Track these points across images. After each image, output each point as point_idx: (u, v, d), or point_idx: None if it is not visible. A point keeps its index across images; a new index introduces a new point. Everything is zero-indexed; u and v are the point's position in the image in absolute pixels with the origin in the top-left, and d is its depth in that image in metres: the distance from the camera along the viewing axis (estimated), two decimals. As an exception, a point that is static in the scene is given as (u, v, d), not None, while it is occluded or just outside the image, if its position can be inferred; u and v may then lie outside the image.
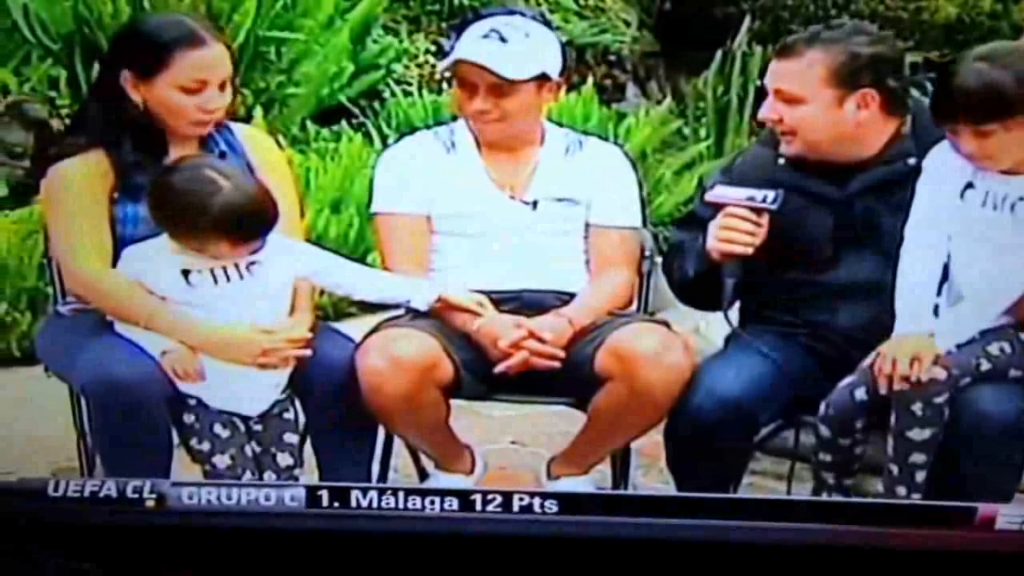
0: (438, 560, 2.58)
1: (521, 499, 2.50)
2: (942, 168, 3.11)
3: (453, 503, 2.50)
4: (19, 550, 2.48)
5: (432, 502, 2.52)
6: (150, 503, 2.52)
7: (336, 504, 2.60)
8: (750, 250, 3.19)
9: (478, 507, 2.49)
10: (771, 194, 3.19)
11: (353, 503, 2.57)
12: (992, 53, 3.05)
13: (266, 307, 3.20)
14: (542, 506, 2.52)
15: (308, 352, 3.18)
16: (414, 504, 2.58)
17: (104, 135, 3.21)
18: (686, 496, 3.04)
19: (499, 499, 2.50)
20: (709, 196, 3.30)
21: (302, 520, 2.58)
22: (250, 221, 3.12)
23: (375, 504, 2.59)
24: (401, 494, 2.59)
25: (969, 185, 3.07)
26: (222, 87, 3.22)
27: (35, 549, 2.51)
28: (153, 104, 3.20)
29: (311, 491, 2.57)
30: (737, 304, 3.37)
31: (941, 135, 3.09)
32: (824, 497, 3.08)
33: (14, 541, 2.46)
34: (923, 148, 3.18)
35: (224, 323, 3.15)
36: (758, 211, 3.19)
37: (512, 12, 3.50)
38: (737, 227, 3.20)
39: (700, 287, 3.33)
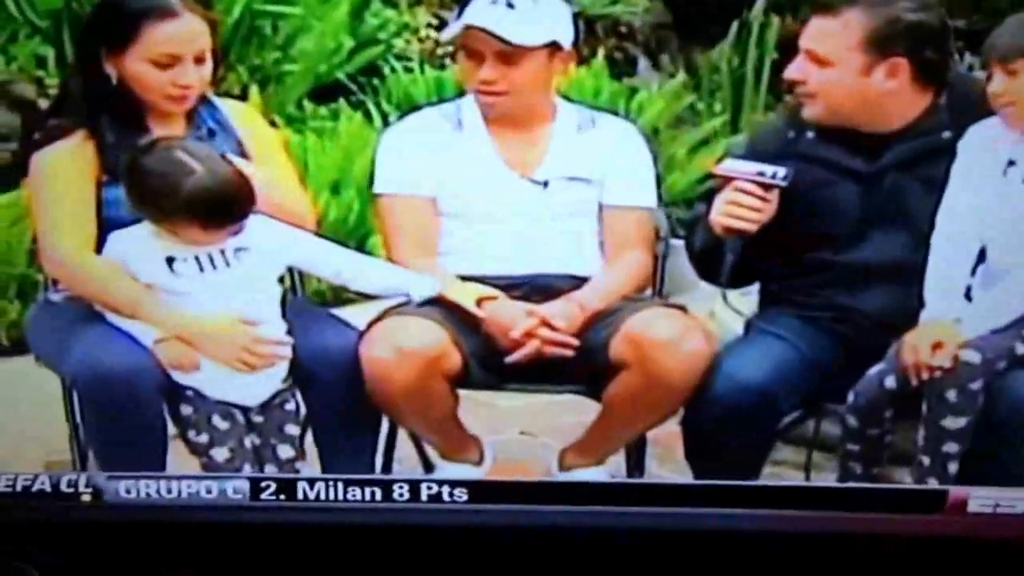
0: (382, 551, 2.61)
1: (429, 487, 2.52)
2: (983, 145, 3.04)
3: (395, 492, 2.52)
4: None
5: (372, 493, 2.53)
6: (86, 498, 2.48)
7: (282, 496, 2.59)
8: (754, 227, 3.14)
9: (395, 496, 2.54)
10: (781, 170, 3.13)
11: (300, 495, 2.56)
12: None
13: (254, 296, 3.12)
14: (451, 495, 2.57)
15: (288, 353, 3.11)
16: (354, 495, 2.58)
17: (86, 116, 3.15)
18: (610, 483, 3.12)
19: (406, 487, 2.61)
20: (718, 168, 3.24)
21: (245, 513, 2.56)
22: (223, 206, 3.03)
23: (322, 496, 2.58)
24: (340, 484, 2.58)
25: (1011, 163, 3.01)
26: (198, 61, 3.15)
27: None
28: (127, 80, 3.14)
29: (254, 483, 2.54)
30: (755, 285, 3.33)
31: (978, 108, 3.03)
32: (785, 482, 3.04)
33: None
34: (958, 121, 3.10)
35: (207, 314, 3.07)
36: (767, 187, 3.13)
37: None
38: (743, 202, 3.14)
39: (708, 259, 3.27)
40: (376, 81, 6.48)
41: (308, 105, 6.19)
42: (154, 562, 2.70)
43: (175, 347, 3.03)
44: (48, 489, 2.52)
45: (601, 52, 6.52)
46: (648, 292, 3.46)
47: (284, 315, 3.17)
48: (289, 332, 3.15)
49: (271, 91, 6.07)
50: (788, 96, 3.38)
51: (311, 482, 2.73)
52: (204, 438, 3.06)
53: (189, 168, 3.00)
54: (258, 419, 3.12)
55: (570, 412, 3.63)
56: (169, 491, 2.66)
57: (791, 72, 3.22)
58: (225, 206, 3.04)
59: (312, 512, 2.68)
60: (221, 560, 2.78)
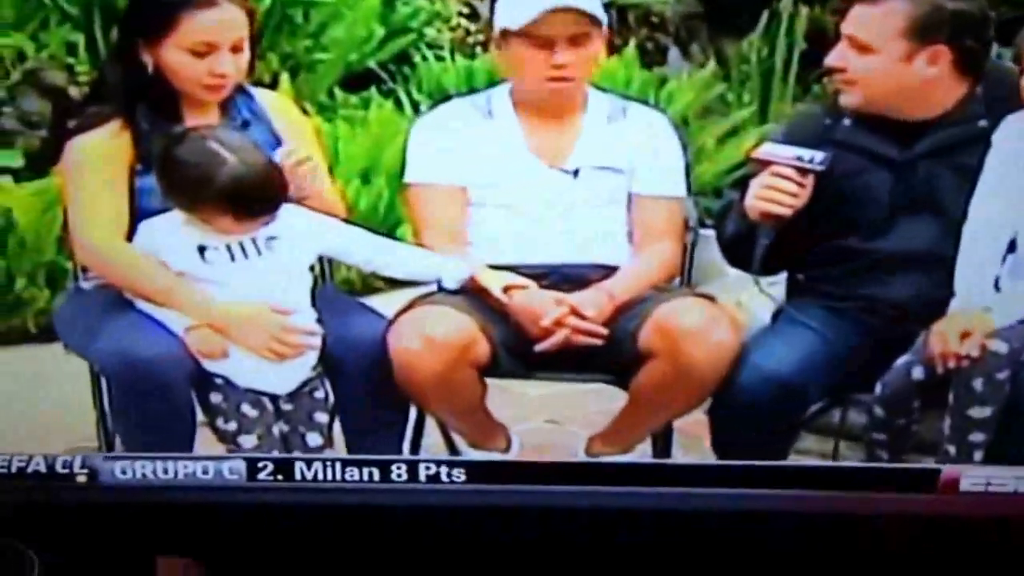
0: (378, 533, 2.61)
1: (427, 467, 2.53)
2: (1018, 136, 3.03)
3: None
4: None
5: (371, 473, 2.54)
6: (81, 478, 2.47)
7: (279, 477, 2.58)
8: (789, 212, 3.13)
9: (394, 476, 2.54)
10: (819, 155, 3.12)
11: (297, 475, 2.56)
12: None
13: (285, 285, 3.12)
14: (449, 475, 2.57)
15: (318, 343, 3.11)
16: (352, 475, 2.58)
17: (122, 104, 3.14)
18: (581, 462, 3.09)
19: (404, 467, 2.62)
20: (756, 153, 3.22)
21: (242, 494, 2.56)
22: (255, 196, 3.03)
23: (320, 476, 2.58)
24: (339, 465, 2.58)
25: None
26: (235, 50, 3.14)
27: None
28: (164, 69, 3.14)
29: (251, 463, 2.53)
30: (783, 274, 3.32)
31: (1012, 100, 3.02)
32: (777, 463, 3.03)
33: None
34: (994, 111, 3.10)
35: (238, 302, 3.07)
36: (803, 172, 3.12)
37: None
38: (780, 187, 3.12)
39: (740, 246, 3.25)
40: (407, 70, 6.46)
41: (339, 94, 6.18)
42: (150, 542, 2.70)
43: (205, 335, 3.03)
44: (43, 470, 2.52)
45: (632, 42, 6.50)
46: (676, 282, 3.45)
47: (313, 303, 3.17)
48: (318, 320, 3.14)
49: (302, 79, 6.06)
50: (826, 83, 3.36)
51: (308, 462, 2.74)
52: (232, 426, 3.06)
53: (222, 158, 3.00)
54: (287, 407, 3.12)
55: (596, 401, 3.62)
56: (165, 471, 2.65)
57: (832, 59, 3.20)
58: (257, 196, 3.04)
59: (309, 492, 2.68)
60: (218, 540, 2.78)
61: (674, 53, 6.54)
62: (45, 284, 4.63)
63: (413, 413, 3.30)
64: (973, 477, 2.70)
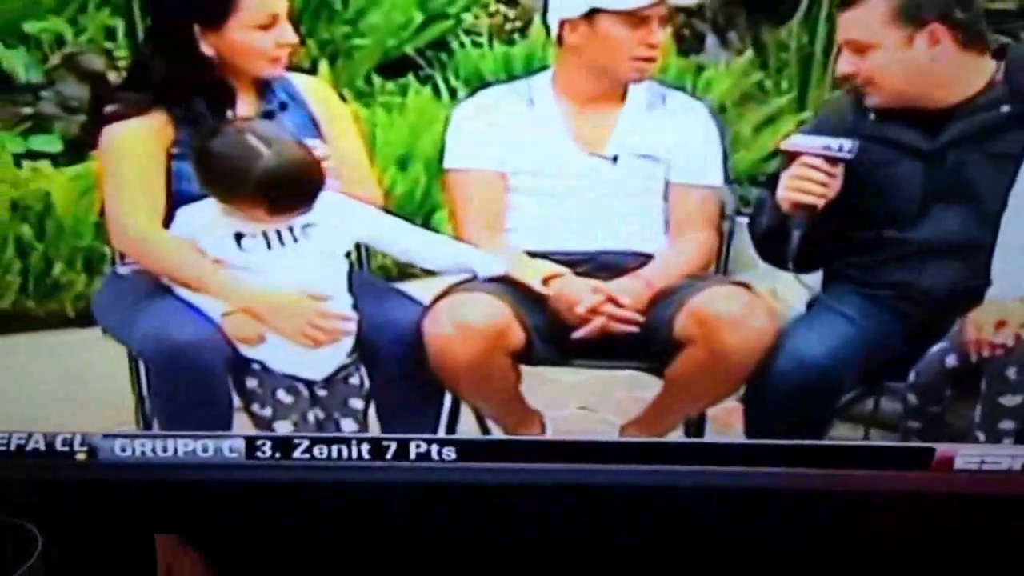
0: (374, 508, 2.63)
1: (418, 445, 2.55)
2: None
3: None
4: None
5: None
6: (81, 456, 2.48)
7: (277, 455, 2.60)
8: (821, 201, 3.13)
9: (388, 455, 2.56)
10: (848, 143, 3.12)
11: (296, 454, 2.58)
12: None
13: (321, 271, 3.13)
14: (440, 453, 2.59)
15: (354, 328, 3.12)
16: (343, 453, 2.60)
17: (165, 90, 3.15)
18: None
19: (394, 445, 2.65)
20: (785, 144, 3.23)
21: (241, 471, 2.58)
22: (291, 190, 3.04)
23: (322, 455, 2.59)
24: (347, 445, 2.60)
25: None
26: (289, 18, 3.18)
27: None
28: (226, 51, 3.15)
29: (250, 442, 2.54)
30: (818, 267, 3.32)
31: None
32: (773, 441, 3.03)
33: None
34: (1017, 96, 3.10)
35: (274, 288, 3.08)
36: (833, 161, 3.12)
37: None
38: (810, 177, 3.12)
39: (773, 240, 3.25)
40: (444, 56, 6.46)
41: (377, 80, 6.18)
42: (149, 520, 2.72)
43: (242, 320, 3.04)
44: (43, 448, 2.53)
45: (669, 29, 6.47)
46: (712, 270, 3.45)
47: (350, 289, 3.18)
48: (354, 307, 3.15)
49: (340, 66, 6.07)
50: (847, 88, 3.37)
51: (313, 441, 2.76)
52: (268, 411, 3.08)
53: (258, 152, 3.00)
54: (322, 393, 3.14)
55: (629, 388, 3.62)
56: (164, 450, 2.67)
57: (841, 68, 3.21)
58: (293, 190, 3.05)
59: (308, 470, 2.70)
60: (216, 518, 2.80)
61: (711, 40, 6.51)
62: (83, 269, 4.65)
63: (448, 399, 3.30)
64: (967, 455, 2.72)
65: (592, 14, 3.31)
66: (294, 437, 2.79)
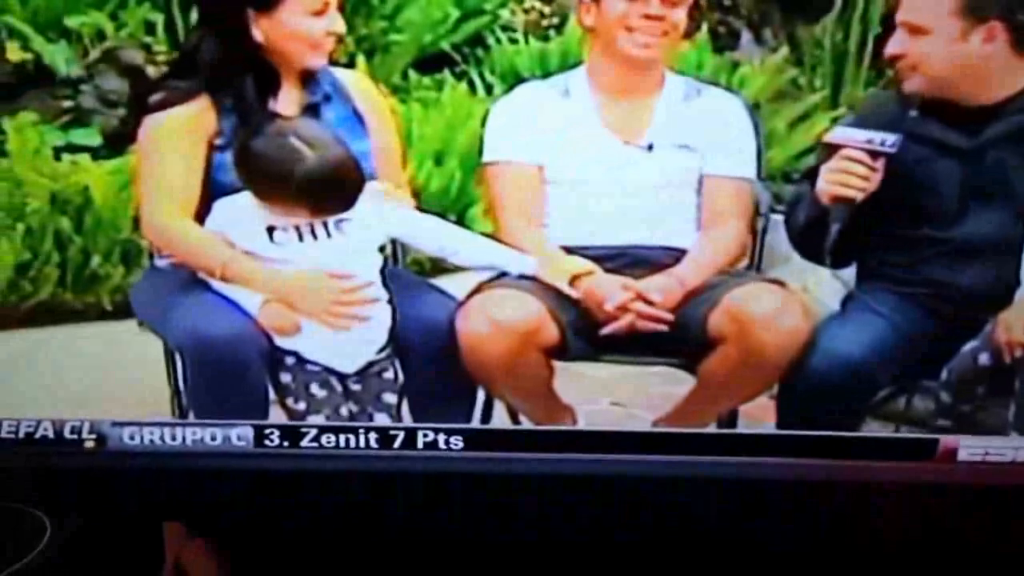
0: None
1: (425, 435, 2.55)
2: None
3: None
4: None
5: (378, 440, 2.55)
6: (89, 444, 2.49)
7: (285, 444, 2.61)
8: (861, 195, 3.13)
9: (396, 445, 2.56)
10: (890, 137, 3.12)
11: (305, 442, 2.59)
12: None
13: (354, 266, 3.13)
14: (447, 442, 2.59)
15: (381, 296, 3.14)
16: (363, 442, 2.60)
17: (212, 80, 3.16)
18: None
19: (402, 434, 2.69)
20: (827, 137, 3.23)
21: (249, 460, 2.59)
22: (333, 192, 3.06)
23: (330, 443, 2.60)
24: (355, 434, 2.60)
25: None
26: (340, 8, 3.21)
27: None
28: (277, 37, 3.16)
29: (258, 430, 2.54)
30: (853, 261, 3.32)
31: None
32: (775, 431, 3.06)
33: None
34: None
35: (297, 270, 3.09)
36: (875, 155, 3.12)
37: None
38: (851, 170, 3.12)
39: (810, 233, 3.25)
40: (480, 52, 6.47)
41: (413, 75, 6.19)
42: (158, 508, 2.73)
43: (279, 310, 3.05)
44: (51, 435, 2.54)
45: (705, 26, 6.46)
46: (745, 265, 3.45)
47: (385, 284, 3.18)
48: (389, 301, 3.16)
49: (377, 61, 6.08)
50: (890, 73, 3.36)
51: (321, 429, 2.76)
52: (302, 405, 3.08)
53: (301, 155, 3.01)
54: (356, 387, 3.15)
55: (661, 383, 3.62)
56: (173, 438, 2.68)
57: (891, 47, 3.20)
58: (335, 192, 3.06)
59: (316, 459, 2.71)
60: (224, 506, 2.81)
61: (746, 37, 6.50)
62: (120, 262, 4.66)
63: (481, 394, 3.30)
64: (971, 447, 2.72)
65: None
66: (302, 426, 2.79)
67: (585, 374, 3.78)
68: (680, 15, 3.34)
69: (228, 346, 3.00)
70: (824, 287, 3.44)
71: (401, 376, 3.20)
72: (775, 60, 6.42)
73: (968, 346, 3.02)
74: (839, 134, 3.19)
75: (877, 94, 3.55)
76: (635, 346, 3.27)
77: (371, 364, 3.16)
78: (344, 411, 3.11)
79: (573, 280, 3.23)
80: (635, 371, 3.56)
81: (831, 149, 3.17)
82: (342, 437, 2.78)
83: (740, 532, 2.87)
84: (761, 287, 3.20)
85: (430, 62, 6.32)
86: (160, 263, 3.31)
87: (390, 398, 3.17)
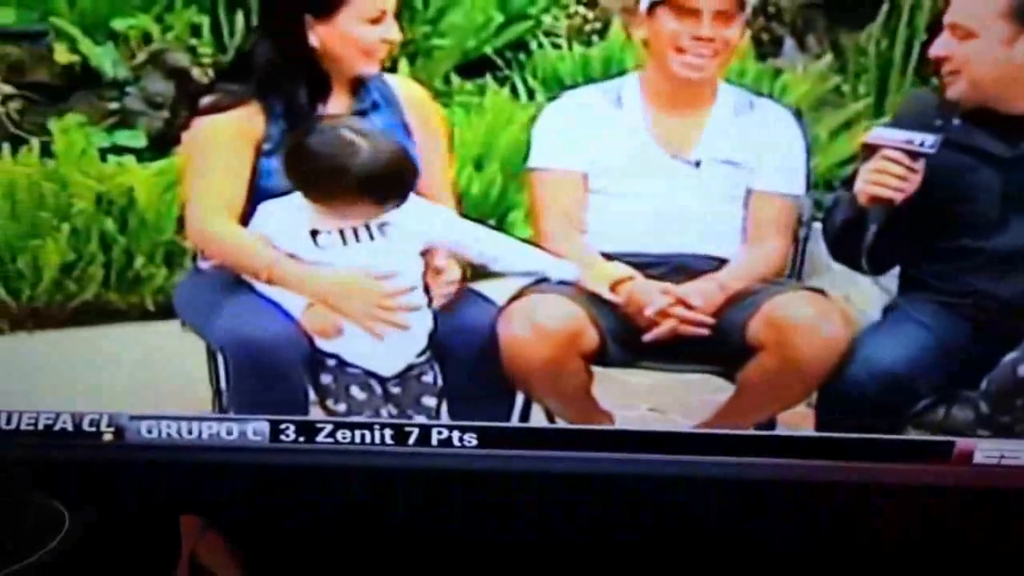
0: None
1: (439, 432, 2.55)
2: None
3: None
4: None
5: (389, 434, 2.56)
6: (108, 437, 2.49)
7: (300, 439, 2.61)
8: (899, 196, 3.11)
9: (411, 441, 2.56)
10: (930, 138, 3.10)
11: (320, 438, 2.59)
12: None
13: (397, 269, 3.13)
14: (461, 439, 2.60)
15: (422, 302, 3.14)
16: (378, 438, 2.61)
17: (267, 83, 3.17)
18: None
19: (417, 431, 2.72)
20: (866, 137, 3.21)
21: (264, 455, 2.59)
22: (390, 182, 3.05)
23: (346, 439, 2.61)
24: (370, 430, 2.61)
25: None
26: (396, 16, 3.23)
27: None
28: (333, 43, 3.17)
29: (274, 425, 2.54)
30: (895, 271, 3.30)
31: None
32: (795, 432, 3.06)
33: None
34: None
35: (341, 272, 3.09)
36: (914, 156, 3.10)
37: None
38: (890, 170, 3.10)
39: (847, 236, 3.23)
40: (523, 57, 6.47)
41: (455, 80, 6.19)
42: (174, 501, 2.74)
43: (322, 313, 3.06)
44: (70, 428, 2.55)
45: (748, 33, 6.44)
46: (786, 275, 3.43)
47: (426, 290, 3.19)
48: (429, 305, 3.17)
49: (420, 65, 6.08)
50: (935, 81, 3.35)
51: (336, 425, 2.77)
52: (342, 407, 3.09)
53: (356, 147, 3.02)
54: (395, 390, 3.15)
55: (699, 390, 3.62)
56: (190, 432, 2.68)
57: (936, 49, 3.18)
58: (392, 182, 3.06)
59: (331, 454, 2.72)
60: (240, 500, 2.82)
61: (789, 44, 6.48)
62: (163, 263, 4.68)
63: (520, 398, 3.30)
64: (987, 449, 2.71)
65: (653, 8, 3.31)
66: (317, 421, 2.80)
67: (625, 380, 3.78)
68: (732, 33, 3.33)
69: (270, 348, 3.01)
70: (866, 296, 3.43)
71: (440, 379, 3.20)
72: (818, 67, 6.40)
73: (1008, 357, 3.01)
74: (878, 134, 3.17)
75: (916, 94, 3.53)
76: (674, 353, 3.27)
77: (411, 367, 3.16)
78: (384, 413, 3.11)
79: (614, 286, 3.23)
80: (674, 378, 3.55)
81: (870, 150, 3.16)
82: (357, 433, 2.79)
83: (741, 532, 2.87)
84: (801, 295, 3.20)
85: (472, 67, 6.34)
86: (203, 265, 3.31)
87: (429, 401, 3.17)
